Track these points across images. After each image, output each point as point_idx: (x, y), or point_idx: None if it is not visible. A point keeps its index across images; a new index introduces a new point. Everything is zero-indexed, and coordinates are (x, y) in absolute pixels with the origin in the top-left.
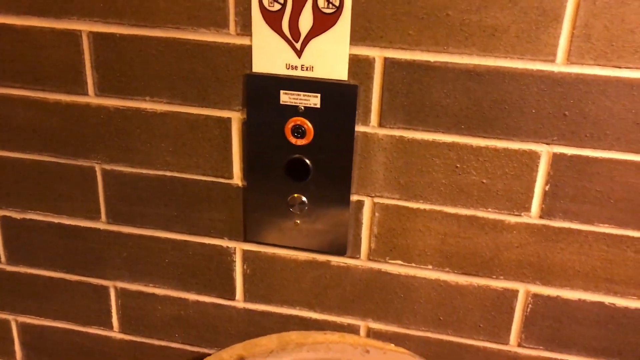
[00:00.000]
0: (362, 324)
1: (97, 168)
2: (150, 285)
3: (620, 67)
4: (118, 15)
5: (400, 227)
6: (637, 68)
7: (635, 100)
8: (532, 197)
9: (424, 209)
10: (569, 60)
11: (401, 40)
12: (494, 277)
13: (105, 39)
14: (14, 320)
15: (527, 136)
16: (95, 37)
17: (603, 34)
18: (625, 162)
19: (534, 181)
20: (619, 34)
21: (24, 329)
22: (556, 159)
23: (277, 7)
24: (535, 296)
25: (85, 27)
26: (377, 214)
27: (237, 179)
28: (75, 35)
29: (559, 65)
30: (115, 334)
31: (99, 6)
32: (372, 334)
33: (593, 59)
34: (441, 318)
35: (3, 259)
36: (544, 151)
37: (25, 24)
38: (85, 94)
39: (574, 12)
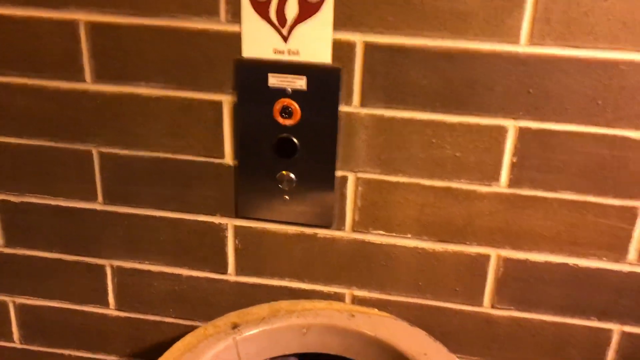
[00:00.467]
0: (347, 292)
1: (94, 151)
2: (146, 262)
3: (577, 47)
4: (114, 4)
5: (381, 200)
6: (591, 48)
7: (591, 77)
8: (501, 168)
9: (403, 182)
10: (532, 41)
11: (380, 26)
12: (468, 243)
13: (102, 28)
14: (12, 302)
15: (495, 112)
16: (92, 26)
17: (561, 17)
18: (584, 134)
19: (503, 153)
20: (575, 17)
21: (21, 310)
22: (522, 132)
23: None
24: (506, 260)
25: (82, 16)
26: (360, 188)
27: (228, 158)
28: (72, 25)
29: (523, 47)
30: (112, 311)
31: None
32: (357, 301)
33: (553, 40)
34: (420, 283)
35: (1, 242)
36: (511, 126)
37: (24, 14)
38: (83, 80)
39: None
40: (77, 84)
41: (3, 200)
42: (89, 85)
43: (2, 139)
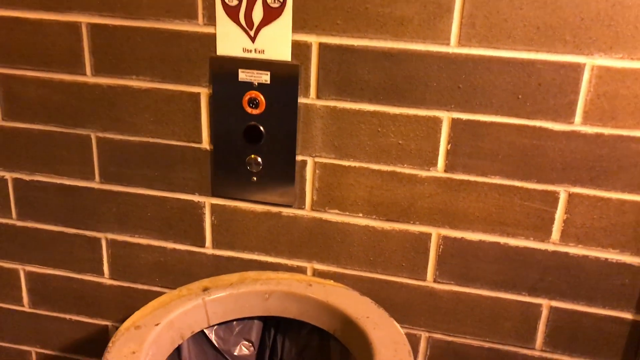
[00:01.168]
0: (308, 266)
1: (93, 136)
2: (136, 236)
3: (499, 48)
4: (110, 9)
5: (336, 182)
6: (511, 49)
7: (511, 74)
8: (437, 155)
9: (354, 166)
10: (460, 43)
11: (331, 29)
12: (412, 222)
13: (100, 29)
14: (22, 270)
15: (431, 105)
16: (92, 27)
17: (484, 22)
18: (508, 124)
19: (439, 141)
20: (496, 22)
21: (30, 277)
22: (454, 123)
23: (235, 2)
24: (445, 238)
25: (84, 19)
26: (317, 171)
27: (205, 143)
28: (76, 26)
29: (453, 47)
30: (106, 280)
31: (96, 2)
32: (317, 273)
33: (478, 42)
34: (371, 259)
35: (14, 216)
36: (445, 117)
37: (35, 16)
38: (84, 74)
39: (461, 5)
40: (79, 77)
41: (16, 179)
42: (89, 78)
43: (16, 124)
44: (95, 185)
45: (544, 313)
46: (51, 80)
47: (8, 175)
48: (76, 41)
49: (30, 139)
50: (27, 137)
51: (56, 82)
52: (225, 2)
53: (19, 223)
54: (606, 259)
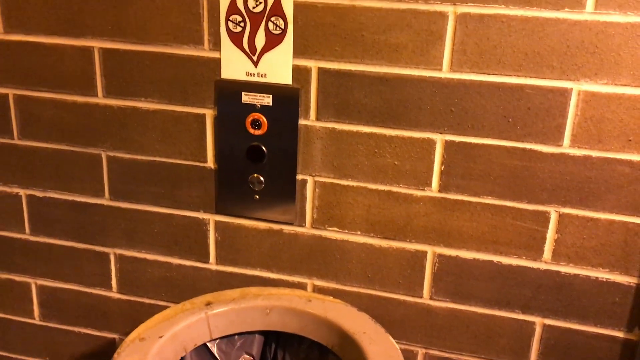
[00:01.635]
0: (308, 282)
1: (103, 155)
2: (143, 251)
3: (489, 74)
4: (122, 35)
5: (335, 201)
6: (501, 74)
7: (501, 98)
8: (432, 175)
9: (352, 186)
10: (452, 69)
11: (330, 54)
12: (408, 240)
13: (112, 53)
14: (34, 283)
15: (425, 127)
16: (104, 51)
17: (475, 49)
18: (499, 146)
19: (433, 162)
20: (486, 49)
21: (41, 290)
22: (448, 145)
23: (239, 29)
24: (440, 256)
25: (96, 44)
26: (317, 190)
27: (210, 162)
28: (88, 50)
29: (445, 73)
30: (114, 294)
31: (108, 28)
32: (317, 289)
33: (469, 68)
34: (369, 275)
35: (27, 231)
36: (438, 139)
37: (51, 41)
38: (95, 95)
39: (452, 33)
40: (91, 98)
41: (30, 195)
42: (100, 99)
43: (31, 143)
44: (105, 202)
45: (538, 331)
46: (64, 102)
47: (22, 192)
48: (89, 64)
49: (43, 157)
50: (41, 155)
51: (69, 103)
52: (229, 29)
53: (32, 238)
54: (596, 278)
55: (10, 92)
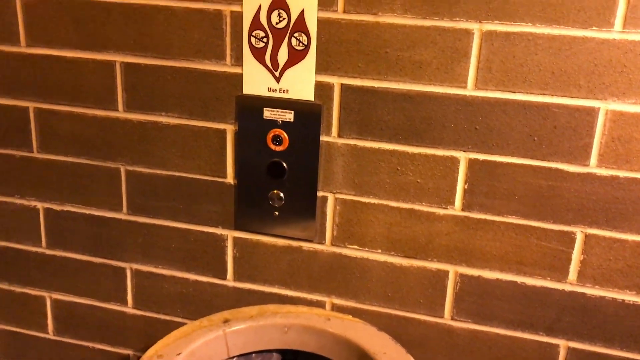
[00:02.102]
0: (327, 300)
1: (122, 169)
2: (159, 266)
3: (515, 92)
4: (144, 49)
5: (355, 218)
6: (527, 93)
7: (527, 117)
8: (455, 194)
9: (374, 203)
10: (477, 86)
11: (353, 71)
12: (429, 259)
13: (133, 68)
14: (49, 297)
15: (448, 145)
16: (126, 66)
17: (500, 67)
18: (524, 165)
19: (456, 181)
20: (512, 67)
21: (56, 304)
22: (471, 163)
23: (261, 45)
24: (462, 276)
25: (118, 58)
26: (337, 207)
27: (229, 178)
28: (110, 65)
29: (469, 90)
30: (129, 309)
31: (130, 43)
32: (335, 308)
33: (494, 86)
34: (389, 294)
35: (44, 244)
36: (462, 157)
37: (73, 55)
38: (116, 109)
39: (478, 51)
40: (111, 112)
41: (47, 209)
42: (121, 114)
43: (50, 156)
44: (122, 216)
45: (562, 354)
46: (85, 115)
47: (40, 205)
48: (110, 79)
49: (62, 171)
50: (59, 168)
51: (89, 117)
52: (252, 44)
53: (48, 251)
54: (623, 301)
55: (31, 105)
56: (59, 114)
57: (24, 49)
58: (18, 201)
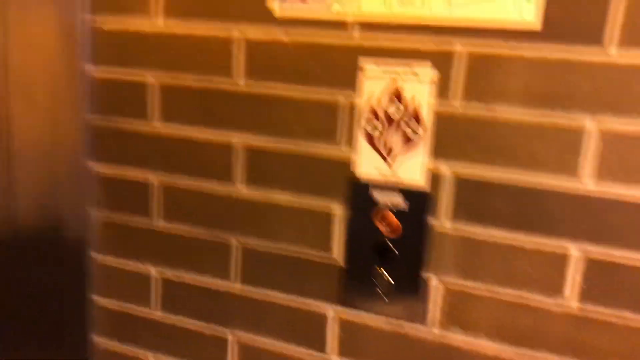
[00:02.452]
0: None
1: (236, 242)
2: (264, 339)
3: (632, 187)
4: (263, 132)
5: (462, 304)
6: None
7: None
8: (567, 287)
9: (481, 290)
10: (594, 182)
11: (466, 160)
12: (537, 350)
13: (253, 148)
14: (153, 358)
15: (562, 238)
16: (246, 146)
17: (618, 163)
18: None
19: (569, 274)
20: (631, 164)
21: None
22: (586, 257)
23: (375, 132)
24: None
25: (239, 139)
26: (444, 292)
27: (337, 256)
28: (231, 145)
29: (586, 185)
30: None
31: (251, 126)
32: None
33: (612, 182)
34: None
35: (156, 308)
36: (577, 251)
37: (199, 135)
38: (234, 187)
39: (595, 146)
40: (230, 188)
41: (165, 279)
42: (239, 190)
43: (170, 226)
44: (232, 288)
45: None
46: (205, 190)
47: (156, 272)
48: (229, 157)
49: (179, 241)
50: (177, 239)
51: (208, 192)
52: (366, 131)
53: (159, 317)
54: None
55: (156, 178)
56: (181, 188)
57: (155, 127)
58: (135, 266)
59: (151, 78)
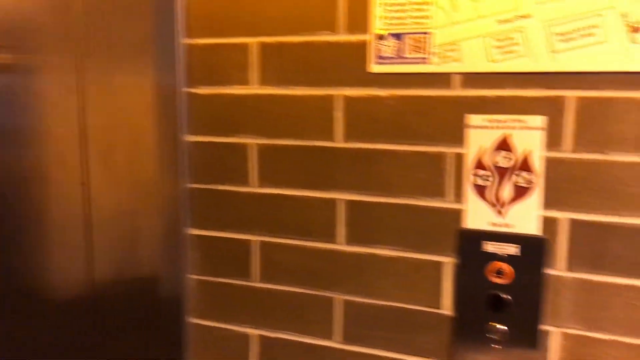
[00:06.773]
0: None
1: (338, 299)
2: None
3: None
4: (366, 188)
5: (584, 355)
6: None
7: None
8: None
9: (605, 339)
10: None
11: (581, 206)
12: None
13: (355, 204)
14: None
15: None
16: (348, 203)
17: None
18: None
19: None
20: None
21: None
22: None
23: (484, 183)
24: None
25: (341, 196)
26: (564, 342)
27: (446, 309)
28: (333, 202)
29: None
30: None
31: (353, 182)
32: None
33: None
34: None
35: None
36: None
37: (299, 194)
38: (336, 242)
39: None
40: (332, 245)
41: (261, 336)
42: (341, 246)
43: (270, 285)
44: (335, 345)
45: None
46: (306, 248)
47: (253, 332)
48: (332, 214)
49: (279, 299)
50: (276, 297)
51: (310, 249)
52: (474, 182)
53: None
54: None
55: (256, 238)
56: (281, 246)
57: (255, 189)
58: (232, 328)
59: (250, 140)
